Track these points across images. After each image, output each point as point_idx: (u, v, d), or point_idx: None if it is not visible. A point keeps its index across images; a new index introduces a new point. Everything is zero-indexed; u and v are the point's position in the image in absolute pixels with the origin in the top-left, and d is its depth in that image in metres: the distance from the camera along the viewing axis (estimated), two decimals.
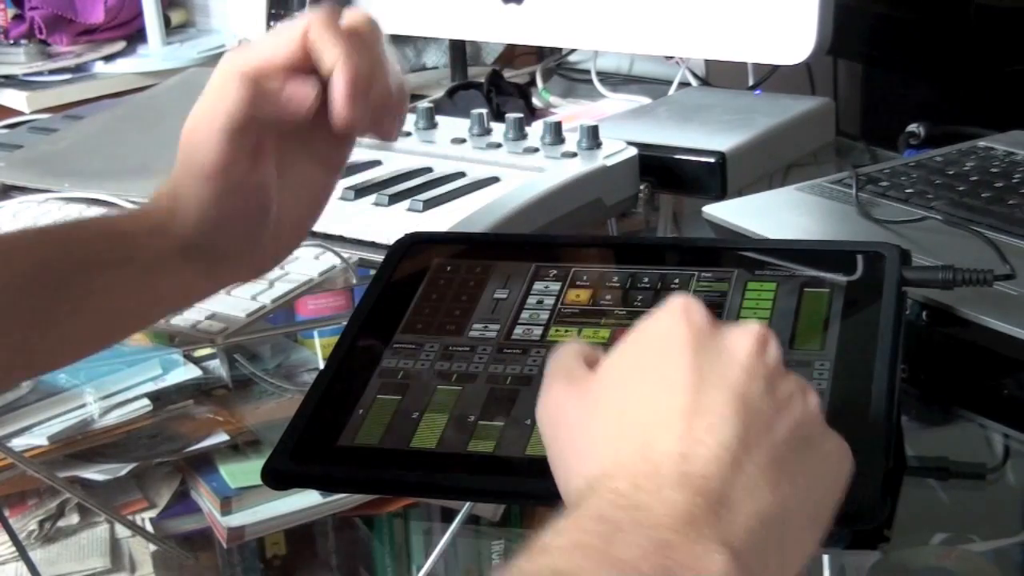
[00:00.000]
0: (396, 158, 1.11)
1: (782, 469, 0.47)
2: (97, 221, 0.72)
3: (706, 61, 1.42)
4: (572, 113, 1.36)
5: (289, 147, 0.68)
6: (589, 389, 0.51)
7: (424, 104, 1.18)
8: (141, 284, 0.67)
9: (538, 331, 0.68)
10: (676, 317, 0.51)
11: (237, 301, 0.88)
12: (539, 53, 1.57)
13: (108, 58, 1.64)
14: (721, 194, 1.06)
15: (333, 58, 0.64)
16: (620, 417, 0.49)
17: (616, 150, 1.04)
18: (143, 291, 0.67)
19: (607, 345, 0.65)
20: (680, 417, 0.47)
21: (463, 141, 1.10)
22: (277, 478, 0.62)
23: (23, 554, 0.74)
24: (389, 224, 0.96)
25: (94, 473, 0.79)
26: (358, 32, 0.66)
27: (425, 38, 1.57)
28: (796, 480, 0.47)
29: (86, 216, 0.79)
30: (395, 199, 1.01)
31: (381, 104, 0.66)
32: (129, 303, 0.68)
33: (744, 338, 0.50)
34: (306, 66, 0.65)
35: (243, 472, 0.78)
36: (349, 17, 0.67)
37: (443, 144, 1.10)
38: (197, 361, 0.89)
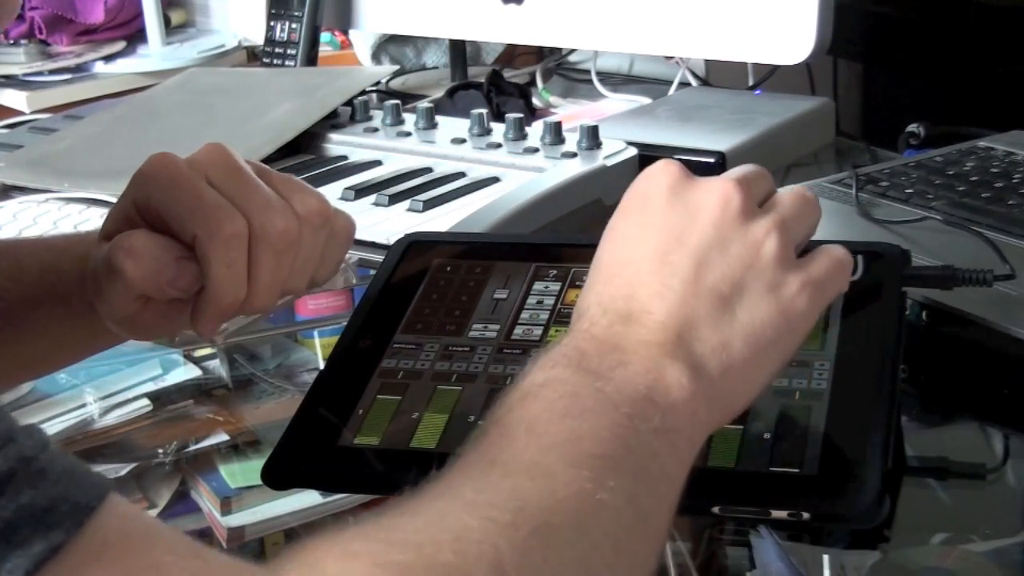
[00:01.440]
0: (396, 158, 1.11)
1: (727, 305, 0.52)
2: (47, 248, 0.72)
3: (706, 61, 1.42)
4: (572, 113, 1.36)
5: None
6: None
7: (424, 104, 1.18)
8: (76, 324, 0.68)
9: (538, 331, 0.68)
10: (649, 179, 0.57)
11: None
12: (539, 53, 1.57)
13: (108, 58, 1.64)
14: None
15: (210, 276, 0.60)
16: (595, 266, 0.56)
17: (616, 150, 1.04)
18: (77, 330, 0.69)
19: None
20: (630, 266, 0.54)
21: (463, 141, 1.10)
22: (277, 478, 0.62)
23: None
24: (389, 224, 0.96)
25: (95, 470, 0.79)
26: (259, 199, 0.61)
27: (425, 38, 1.57)
28: (741, 313, 0.52)
29: (33, 239, 0.79)
30: (395, 199, 1.01)
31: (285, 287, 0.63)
32: (69, 337, 0.70)
33: (707, 194, 0.55)
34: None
35: (243, 472, 0.78)
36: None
37: (443, 144, 1.11)
38: (197, 361, 0.89)
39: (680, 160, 1.06)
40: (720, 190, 0.55)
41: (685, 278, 0.52)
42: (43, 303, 0.68)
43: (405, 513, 0.43)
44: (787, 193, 0.58)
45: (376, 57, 1.57)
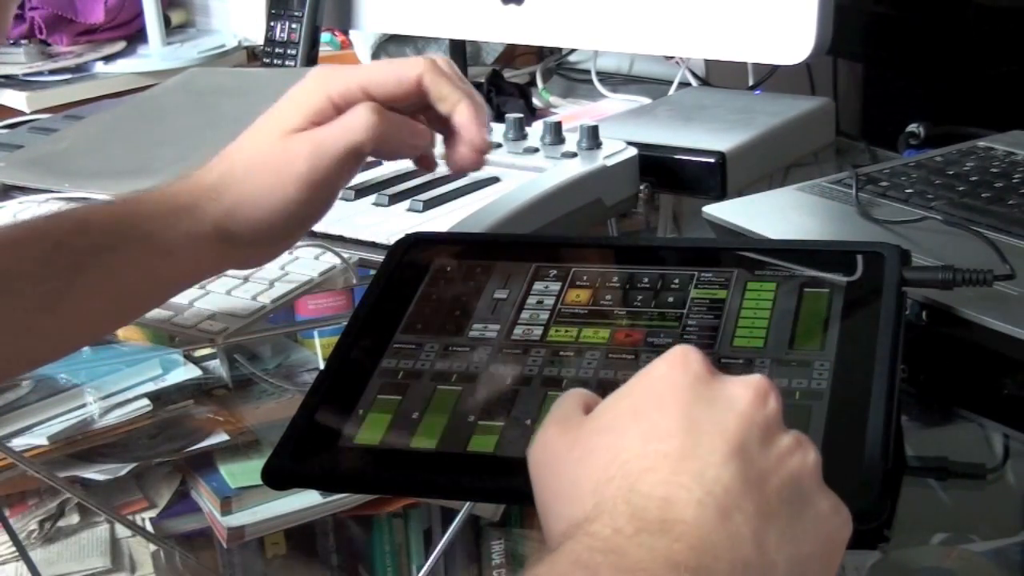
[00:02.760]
0: None
1: (771, 522, 0.45)
2: (114, 204, 0.74)
3: (706, 61, 1.42)
4: (572, 113, 1.36)
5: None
6: (581, 433, 0.50)
7: None
8: (156, 264, 0.69)
9: (538, 331, 0.68)
10: (674, 365, 0.50)
11: (237, 301, 0.88)
12: (539, 53, 1.57)
13: (108, 58, 1.64)
14: (721, 194, 1.06)
15: (456, 99, 0.74)
16: (607, 461, 0.47)
17: (616, 150, 1.04)
18: (158, 271, 0.70)
19: (607, 347, 0.65)
20: (667, 462, 0.46)
21: None
22: (277, 478, 0.62)
23: (23, 554, 0.74)
24: (389, 224, 0.96)
25: (94, 473, 0.79)
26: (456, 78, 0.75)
27: (425, 38, 1.57)
28: (784, 535, 0.45)
29: (101, 199, 0.80)
30: (395, 199, 1.01)
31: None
32: (142, 283, 0.70)
33: (743, 388, 0.49)
34: (417, 107, 0.74)
35: (243, 472, 0.78)
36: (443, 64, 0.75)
37: (443, 144, 1.10)
38: (197, 361, 0.89)
39: (680, 160, 1.06)
40: (758, 385, 0.49)
41: (729, 485, 0.45)
42: (117, 248, 0.69)
43: None
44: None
45: (376, 57, 1.57)
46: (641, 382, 0.50)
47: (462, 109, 0.73)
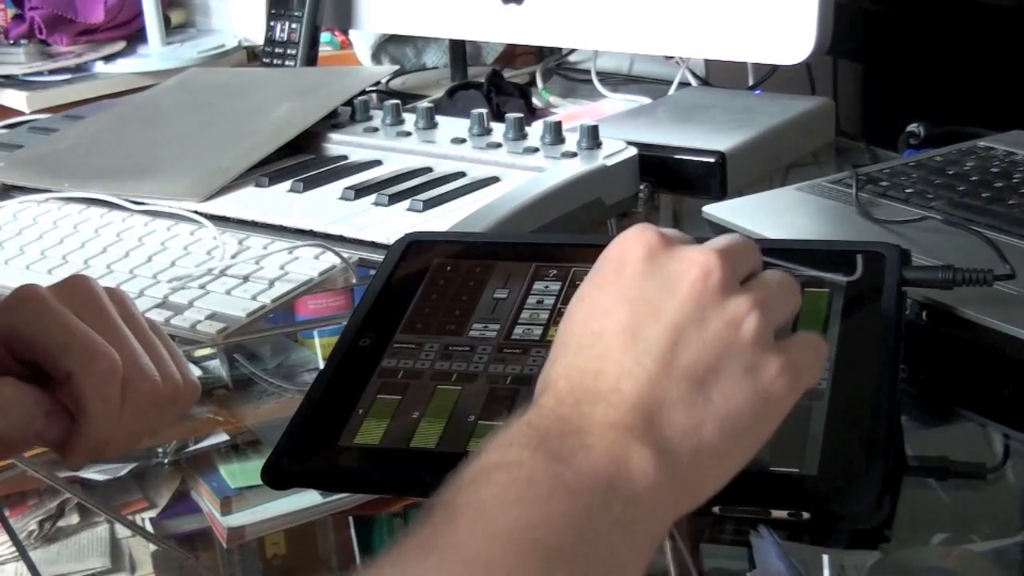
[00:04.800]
0: (396, 158, 1.11)
1: (701, 386, 0.49)
2: None
3: (706, 61, 1.42)
4: (572, 113, 1.36)
5: None
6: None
7: (424, 104, 1.18)
8: None
9: (538, 331, 0.68)
10: (624, 244, 0.53)
11: (237, 301, 0.89)
12: (539, 53, 1.57)
13: (108, 58, 1.64)
14: (721, 194, 1.06)
15: (86, 412, 0.58)
16: (558, 343, 0.52)
17: (616, 150, 1.04)
18: None
19: None
20: (602, 339, 0.51)
21: (463, 141, 1.10)
22: (277, 478, 0.62)
23: (23, 554, 0.74)
24: (389, 224, 0.96)
25: (94, 473, 0.79)
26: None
27: (425, 38, 1.57)
28: (714, 398, 0.49)
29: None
30: (395, 199, 1.01)
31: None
32: None
33: (687, 265, 0.52)
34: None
35: (243, 472, 0.78)
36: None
37: (443, 144, 1.11)
38: (197, 361, 0.89)
39: (680, 160, 1.06)
40: (701, 262, 0.52)
41: (659, 357, 0.50)
42: None
43: None
44: (770, 274, 0.55)
45: (376, 57, 1.57)
46: (596, 266, 0.54)
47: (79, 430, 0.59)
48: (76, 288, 0.61)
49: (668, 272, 0.52)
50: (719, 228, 0.93)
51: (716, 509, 0.56)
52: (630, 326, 0.51)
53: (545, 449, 0.47)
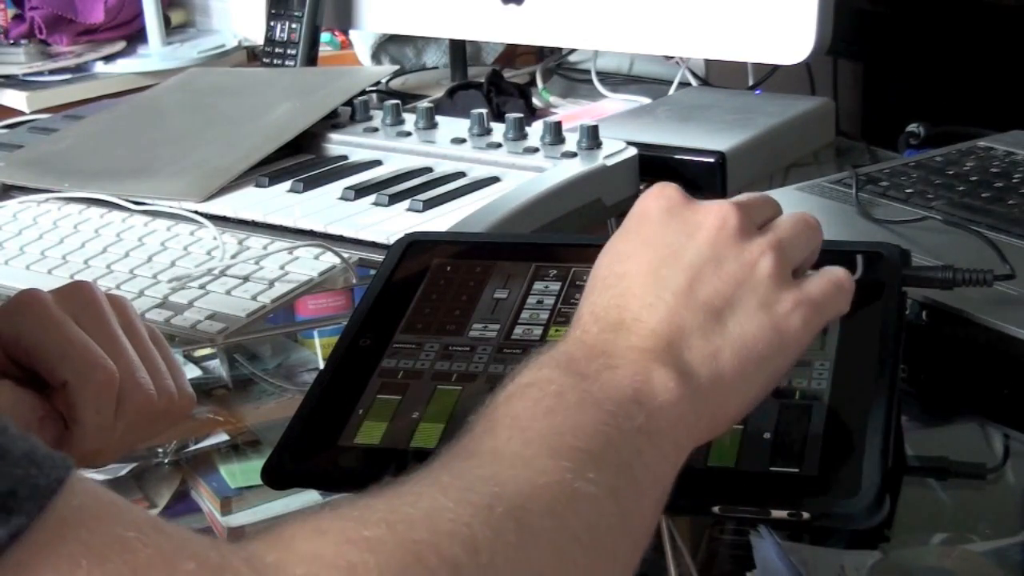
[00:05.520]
0: (396, 158, 1.11)
1: (719, 316, 0.53)
2: None
3: (706, 61, 1.42)
4: (572, 113, 1.36)
5: None
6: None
7: (424, 104, 1.18)
8: None
9: (538, 331, 0.68)
10: (648, 198, 0.57)
11: (237, 301, 0.89)
12: (539, 53, 1.57)
13: (108, 58, 1.64)
14: (721, 194, 1.06)
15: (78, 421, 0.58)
16: (591, 279, 0.56)
17: (616, 150, 1.04)
18: None
19: None
20: (624, 279, 0.54)
21: (463, 141, 1.10)
22: (277, 478, 0.62)
23: None
24: (389, 224, 0.96)
25: (94, 473, 0.79)
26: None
27: (425, 38, 1.57)
28: (730, 327, 0.53)
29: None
30: (395, 199, 1.01)
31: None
32: None
33: (704, 215, 0.56)
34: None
35: (243, 472, 0.78)
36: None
37: (443, 144, 1.11)
38: (197, 361, 0.88)
39: (680, 160, 1.06)
40: (718, 211, 0.56)
41: (677, 291, 0.53)
42: None
43: (380, 496, 0.43)
44: (788, 216, 0.59)
45: (376, 57, 1.57)
46: (626, 219, 0.58)
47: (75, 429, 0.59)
48: (77, 294, 0.61)
49: (688, 221, 0.56)
50: None
51: (716, 509, 0.56)
52: (651, 266, 0.54)
53: (574, 370, 0.50)
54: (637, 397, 0.49)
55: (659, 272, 0.54)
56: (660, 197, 0.57)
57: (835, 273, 0.58)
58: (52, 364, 0.58)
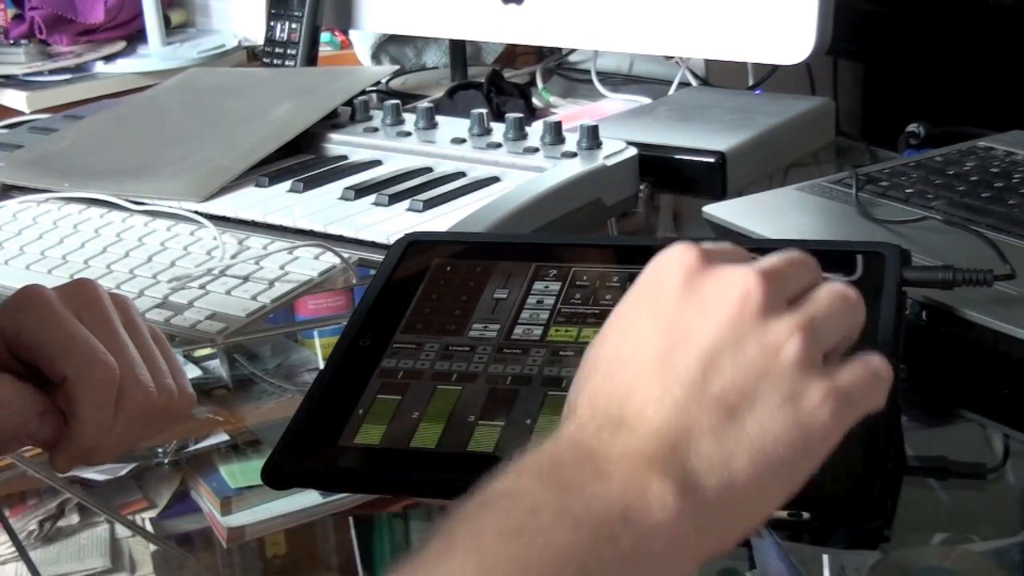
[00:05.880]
0: (396, 158, 1.11)
1: (733, 417, 0.46)
2: None
3: (706, 61, 1.42)
4: (572, 113, 1.36)
5: None
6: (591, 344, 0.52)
7: (424, 104, 1.18)
8: None
9: (538, 331, 0.68)
10: (663, 265, 0.50)
11: (237, 301, 0.89)
12: (539, 53, 1.57)
13: (108, 58, 1.64)
14: (721, 194, 1.06)
15: (78, 417, 0.58)
16: (589, 367, 0.50)
17: (616, 150, 1.04)
18: None
19: None
20: (633, 364, 0.48)
21: (463, 141, 1.10)
22: (277, 478, 0.62)
23: (23, 554, 0.74)
24: (389, 224, 0.96)
25: (94, 473, 0.79)
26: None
27: (425, 38, 1.57)
28: (747, 428, 0.46)
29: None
30: (395, 199, 1.01)
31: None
32: None
33: (723, 289, 0.48)
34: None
35: (243, 472, 0.78)
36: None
37: (443, 144, 1.11)
38: (197, 361, 0.88)
39: (680, 160, 1.06)
40: (740, 283, 0.48)
41: (688, 383, 0.46)
42: None
43: None
44: (827, 288, 0.51)
45: (376, 57, 1.57)
46: (634, 287, 0.51)
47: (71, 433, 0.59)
48: (80, 291, 0.61)
49: (705, 294, 0.49)
50: (719, 228, 0.93)
51: None
52: (661, 352, 0.47)
53: (556, 478, 0.44)
54: (627, 515, 0.43)
55: (669, 359, 0.47)
56: (677, 263, 0.50)
57: (873, 362, 0.49)
58: (53, 359, 0.58)
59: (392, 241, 0.79)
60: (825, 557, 0.62)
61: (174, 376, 0.62)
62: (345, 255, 0.94)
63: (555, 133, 1.07)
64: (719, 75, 1.42)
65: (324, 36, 1.55)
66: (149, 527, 0.78)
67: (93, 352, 0.58)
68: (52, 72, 1.60)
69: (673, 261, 0.50)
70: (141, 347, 0.61)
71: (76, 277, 0.91)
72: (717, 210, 0.94)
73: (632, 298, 0.51)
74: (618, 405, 0.47)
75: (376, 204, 1.01)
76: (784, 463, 0.46)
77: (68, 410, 0.58)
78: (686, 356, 0.47)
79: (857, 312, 0.51)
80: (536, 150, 1.06)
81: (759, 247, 0.74)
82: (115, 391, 0.59)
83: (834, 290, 0.50)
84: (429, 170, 1.08)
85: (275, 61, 1.39)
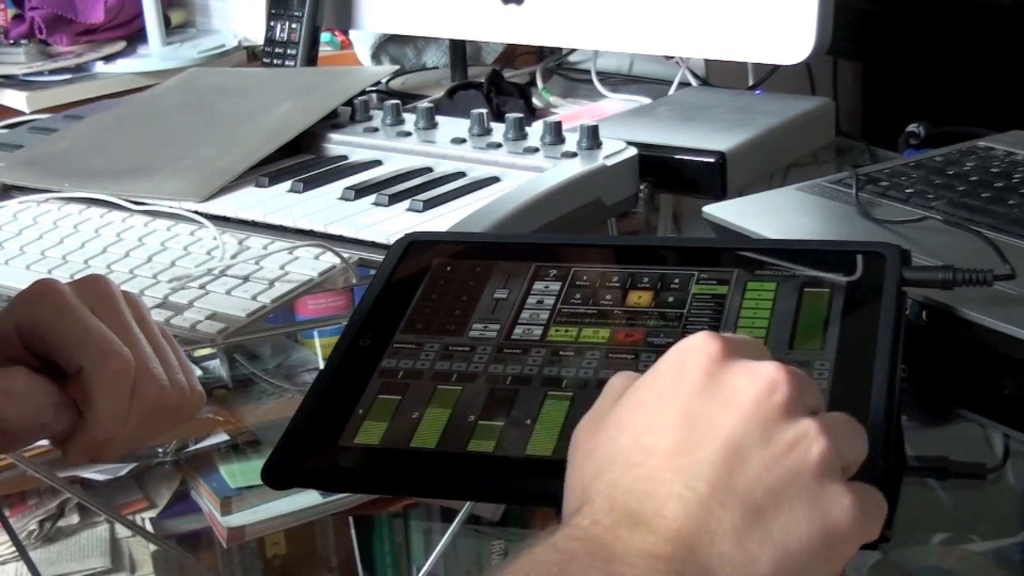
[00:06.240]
0: (396, 158, 1.11)
1: (756, 518, 0.44)
2: None
3: (706, 61, 1.42)
4: (572, 113, 1.36)
5: None
6: (601, 426, 0.50)
7: (424, 104, 1.18)
8: None
9: (538, 331, 0.68)
10: (685, 355, 0.49)
11: (237, 301, 0.89)
12: (539, 53, 1.57)
13: (108, 58, 1.64)
14: (721, 194, 1.06)
15: (93, 407, 0.59)
16: (604, 457, 0.48)
17: (616, 150, 1.04)
18: None
19: (607, 347, 0.65)
20: (654, 457, 0.46)
21: (463, 141, 1.10)
22: (277, 478, 0.62)
23: (23, 554, 0.74)
24: (389, 224, 0.96)
25: (94, 473, 0.79)
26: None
27: (425, 38, 1.57)
28: (771, 530, 0.44)
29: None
30: (395, 199, 1.01)
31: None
32: None
33: (750, 380, 0.47)
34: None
35: (243, 472, 0.78)
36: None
37: (443, 144, 1.11)
38: (197, 361, 0.89)
39: (680, 160, 1.06)
40: (766, 376, 0.47)
41: (712, 479, 0.45)
42: None
43: None
44: (835, 413, 0.50)
45: (376, 57, 1.57)
46: (653, 373, 0.50)
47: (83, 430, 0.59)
48: (94, 286, 0.62)
49: (730, 386, 0.47)
50: (719, 228, 0.93)
51: None
52: (684, 444, 0.46)
53: None
54: None
55: (694, 453, 0.45)
56: (700, 353, 0.48)
57: (876, 491, 0.48)
58: (68, 351, 0.59)
59: (392, 241, 0.79)
60: None
61: (184, 374, 0.63)
62: (345, 255, 0.94)
63: (555, 133, 1.07)
64: (719, 75, 1.42)
65: (324, 36, 1.55)
66: (149, 527, 0.78)
67: (108, 343, 0.59)
68: (52, 72, 1.60)
69: (696, 350, 0.49)
70: (153, 343, 0.62)
71: (74, 278, 0.91)
72: (717, 210, 0.94)
73: (653, 385, 0.49)
74: (638, 499, 0.45)
75: (376, 204, 1.01)
76: (806, 569, 0.45)
77: (83, 402, 0.59)
78: (709, 449, 0.45)
79: (863, 439, 0.50)
80: (536, 150, 1.06)
81: (759, 247, 0.74)
82: (130, 382, 0.59)
83: (840, 415, 0.50)
84: (429, 170, 1.08)
85: (275, 61, 1.39)
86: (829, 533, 0.45)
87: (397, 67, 1.54)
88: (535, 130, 1.08)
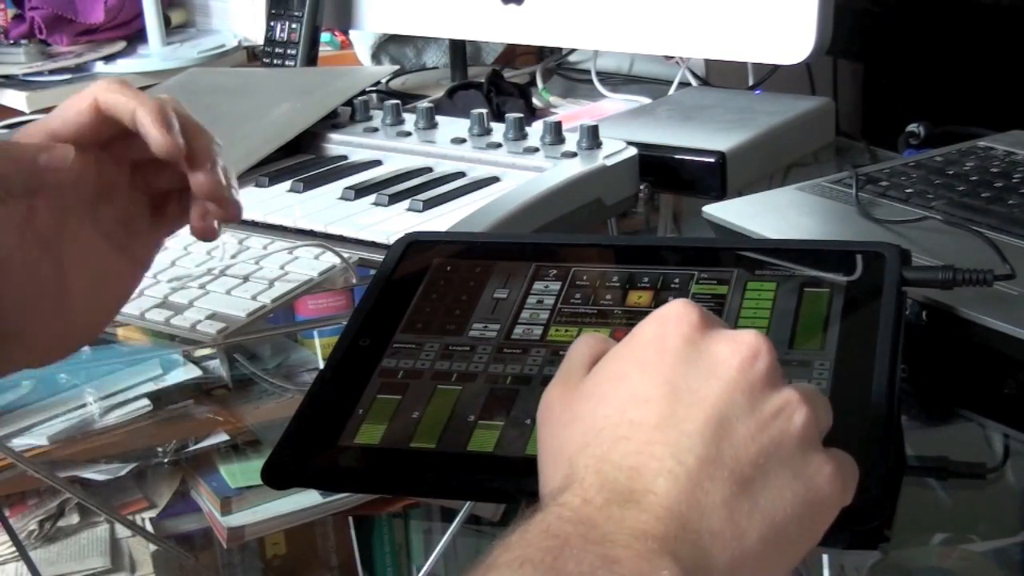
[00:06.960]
0: (396, 158, 1.11)
1: (744, 490, 0.45)
2: None
3: (706, 61, 1.42)
4: (572, 113, 1.36)
5: (84, 234, 0.65)
6: (574, 395, 0.50)
7: (424, 104, 1.18)
8: None
9: (538, 331, 0.68)
10: (665, 323, 0.49)
11: (237, 301, 0.89)
12: (539, 53, 1.57)
13: (108, 58, 1.64)
14: (721, 194, 1.06)
15: (132, 107, 0.63)
16: (586, 428, 0.48)
17: (616, 150, 1.04)
18: None
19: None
20: (641, 430, 0.46)
21: (463, 141, 1.10)
22: (277, 478, 0.62)
23: (23, 554, 0.75)
24: (389, 224, 0.96)
25: (94, 473, 0.79)
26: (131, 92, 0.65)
27: (425, 38, 1.57)
28: (759, 501, 0.45)
29: None
30: (395, 199, 1.01)
31: (195, 137, 0.65)
32: None
33: (732, 349, 0.48)
34: (97, 137, 0.65)
35: (243, 472, 0.78)
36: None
37: (443, 144, 1.11)
38: (197, 361, 0.89)
39: (680, 160, 1.06)
40: (748, 343, 0.48)
41: (701, 453, 0.45)
42: None
43: None
44: (803, 383, 0.51)
45: (376, 57, 1.57)
46: (632, 342, 0.49)
47: (140, 115, 0.63)
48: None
49: (713, 354, 0.48)
50: (719, 228, 0.93)
51: None
52: (672, 417, 0.46)
53: (560, 566, 0.41)
54: None
55: (681, 426, 0.45)
56: (680, 322, 0.48)
57: (848, 456, 0.49)
58: (124, 110, 0.63)
59: (392, 241, 0.79)
60: (825, 557, 0.62)
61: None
62: (345, 255, 0.94)
63: (555, 133, 1.07)
64: (719, 75, 1.42)
65: (324, 36, 1.55)
66: (149, 527, 0.78)
67: (144, 99, 0.64)
68: (52, 72, 1.60)
69: (676, 319, 0.49)
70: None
71: None
72: (717, 210, 0.94)
73: (633, 355, 0.49)
74: (628, 476, 0.45)
75: (376, 204, 1.01)
76: (792, 539, 0.45)
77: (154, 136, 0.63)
78: (698, 422, 0.46)
79: (830, 408, 0.50)
80: (536, 150, 1.06)
81: (759, 247, 0.74)
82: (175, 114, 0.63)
83: (808, 384, 0.50)
84: (429, 170, 1.08)
85: (275, 61, 1.39)
86: (813, 502, 0.46)
87: (397, 67, 1.54)
88: (535, 130, 1.08)
